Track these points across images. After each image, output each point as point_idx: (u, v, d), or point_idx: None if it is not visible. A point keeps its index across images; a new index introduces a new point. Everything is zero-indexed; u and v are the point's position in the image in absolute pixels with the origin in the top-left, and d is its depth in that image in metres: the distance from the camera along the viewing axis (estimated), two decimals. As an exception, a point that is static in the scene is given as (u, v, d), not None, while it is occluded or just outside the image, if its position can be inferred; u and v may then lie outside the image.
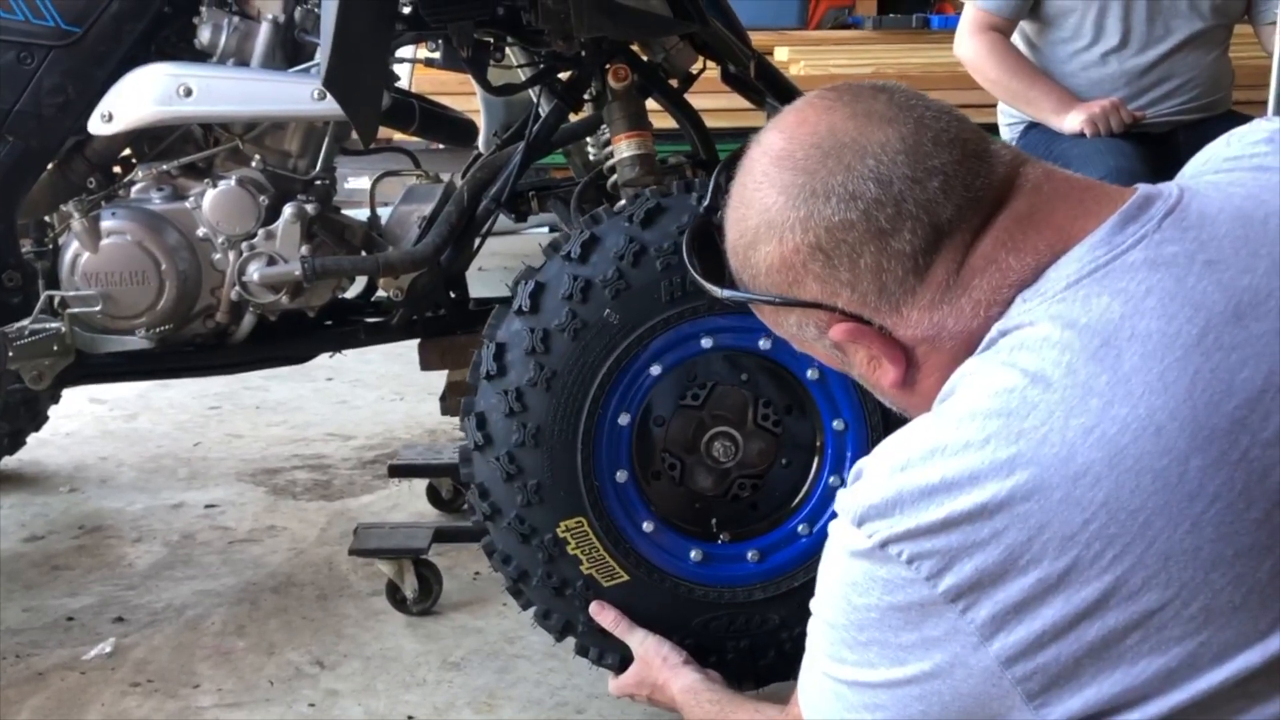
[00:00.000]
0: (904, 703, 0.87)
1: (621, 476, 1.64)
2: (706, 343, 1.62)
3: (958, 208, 0.89)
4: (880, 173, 0.89)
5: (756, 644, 1.67)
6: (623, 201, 1.72)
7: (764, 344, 1.62)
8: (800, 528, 1.68)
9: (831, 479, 1.66)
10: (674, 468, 1.68)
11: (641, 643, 1.61)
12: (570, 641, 1.73)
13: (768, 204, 0.93)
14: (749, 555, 1.67)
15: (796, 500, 1.69)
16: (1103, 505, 0.79)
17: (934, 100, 0.94)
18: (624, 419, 1.63)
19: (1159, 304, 0.83)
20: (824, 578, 0.91)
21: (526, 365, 1.60)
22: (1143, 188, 0.92)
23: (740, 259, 0.97)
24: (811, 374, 1.64)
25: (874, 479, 0.87)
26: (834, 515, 0.87)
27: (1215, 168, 0.96)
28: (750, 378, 1.67)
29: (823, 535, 1.63)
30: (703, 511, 1.70)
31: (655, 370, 1.62)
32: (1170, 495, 0.79)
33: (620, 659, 1.67)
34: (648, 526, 1.66)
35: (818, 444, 1.67)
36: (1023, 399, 0.82)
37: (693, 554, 1.67)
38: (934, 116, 0.92)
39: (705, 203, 1.06)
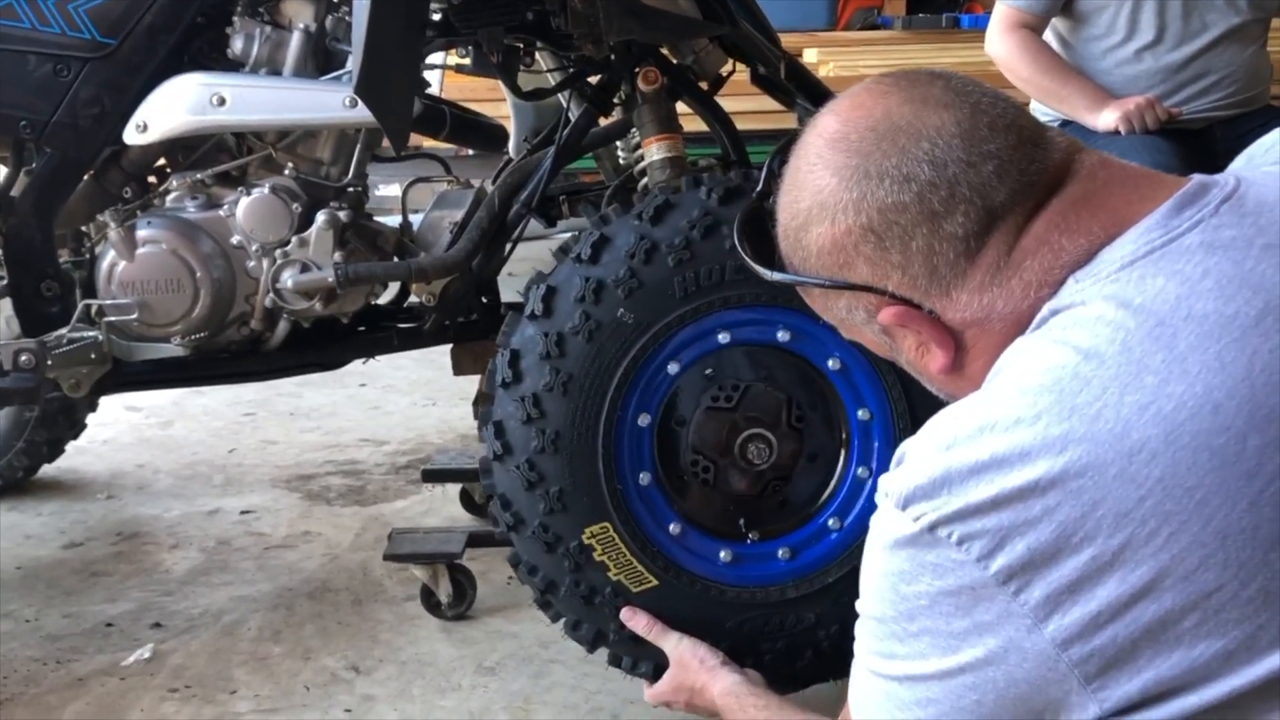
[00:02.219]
0: (957, 693, 0.85)
1: (645, 479, 1.63)
2: (724, 338, 1.61)
3: (1012, 191, 0.89)
4: (935, 155, 0.89)
5: (793, 644, 1.66)
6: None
7: (782, 336, 1.60)
8: (830, 522, 1.66)
9: (859, 470, 1.65)
10: (706, 469, 1.67)
11: (676, 646, 1.59)
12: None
13: (821, 185, 0.93)
14: (780, 553, 1.66)
15: (825, 495, 1.67)
16: (1159, 482, 0.78)
17: (990, 87, 0.94)
18: (644, 420, 1.62)
19: (1216, 286, 0.82)
20: (868, 572, 0.90)
21: (542, 370, 1.59)
22: (1198, 176, 0.91)
23: (791, 241, 0.97)
24: (833, 364, 1.62)
25: (919, 459, 0.85)
26: (867, 507, 0.86)
27: (1274, 159, 0.95)
28: (770, 374, 1.65)
29: (854, 528, 1.63)
30: (730, 511, 1.68)
31: (673, 368, 1.61)
32: (1228, 473, 0.78)
33: (654, 667, 1.65)
34: (675, 529, 1.65)
35: (843, 436, 1.66)
36: (1075, 374, 0.81)
37: (722, 554, 1.66)
38: (990, 103, 0.92)
39: (758, 188, 1.06)
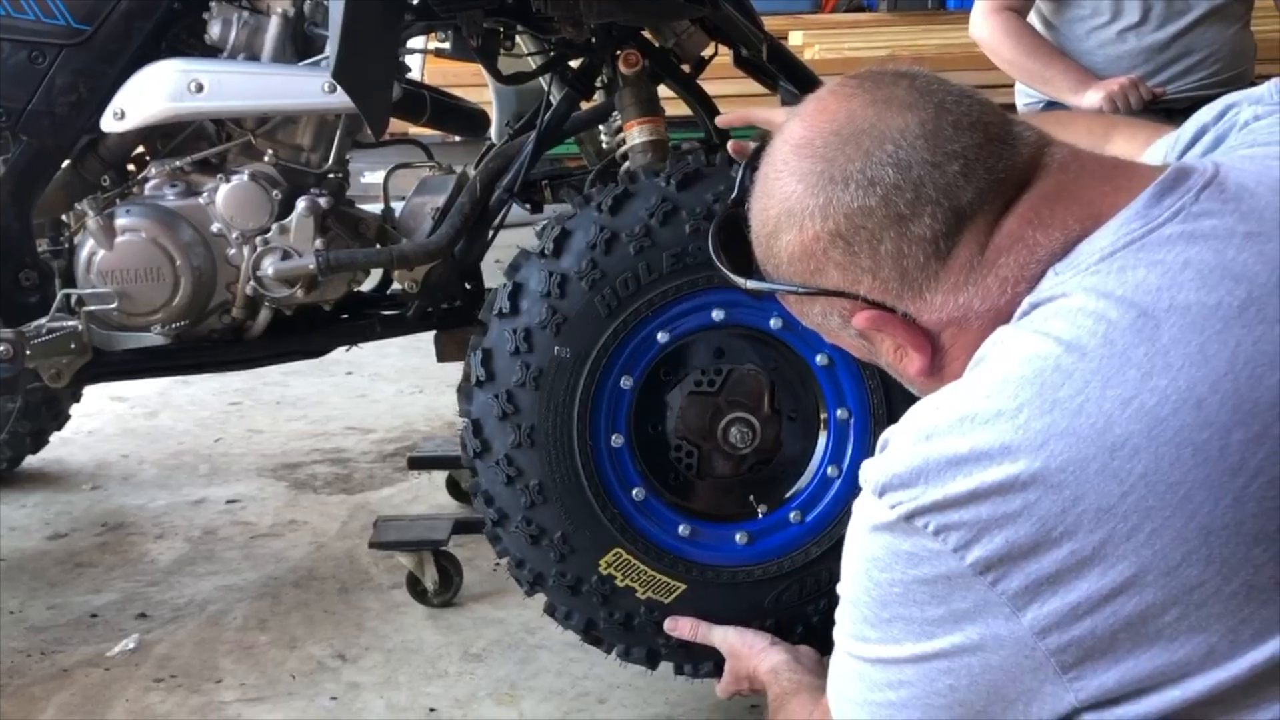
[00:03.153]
0: (930, 677, 0.85)
1: (639, 494, 1.64)
2: (662, 337, 1.62)
3: (979, 190, 0.88)
4: (899, 158, 0.88)
5: (833, 599, 1.66)
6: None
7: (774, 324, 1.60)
8: (829, 470, 1.66)
9: (840, 411, 1.64)
10: (691, 454, 1.67)
11: (724, 639, 1.59)
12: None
13: (788, 192, 0.93)
14: (791, 518, 1.66)
15: (817, 445, 1.67)
16: (1141, 477, 0.78)
17: (957, 85, 0.93)
18: (617, 440, 1.63)
19: (1197, 276, 0.81)
20: (847, 554, 0.90)
21: (507, 430, 1.60)
22: (1176, 162, 0.90)
23: (764, 249, 0.97)
24: (820, 360, 1.62)
25: (899, 449, 0.85)
26: (859, 450, 0.85)
27: (1249, 141, 0.95)
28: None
29: (851, 473, 1.63)
30: (732, 494, 1.68)
31: (626, 383, 1.62)
32: (1211, 469, 0.77)
33: (715, 664, 1.65)
34: (684, 530, 1.65)
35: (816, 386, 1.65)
36: (1057, 367, 0.81)
37: (738, 538, 1.66)
38: (955, 101, 0.91)
39: (732, 195, 1.05)
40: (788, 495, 1.67)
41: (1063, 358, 0.81)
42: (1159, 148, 1.09)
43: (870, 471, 0.86)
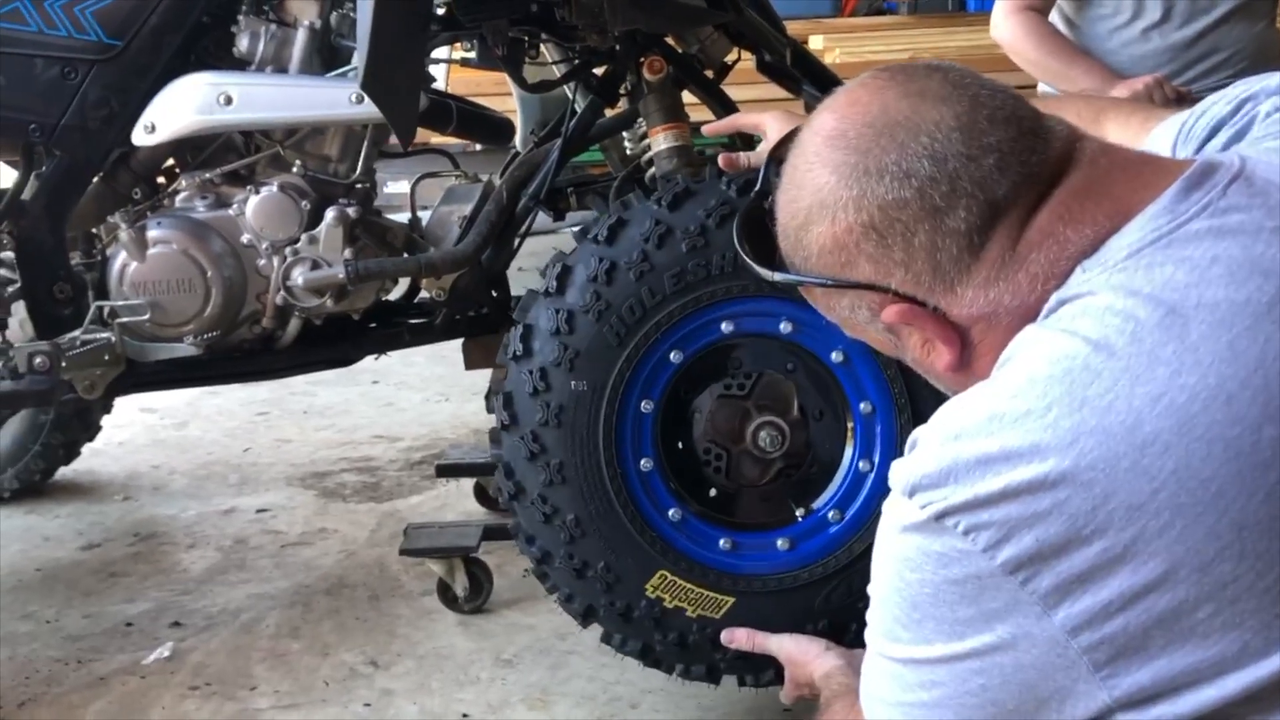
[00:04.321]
0: (962, 677, 0.85)
1: (676, 515, 1.65)
2: (676, 357, 1.62)
3: (1014, 184, 0.87)
4: (935, 150, 0.88)
5: None
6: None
7: (785, 328, 1.61)
8: (861, 465, 1.66)
9: (863, 405, 1.64)
10: (719, 458, 1.67)
11: (780, 647, 1.57)
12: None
13: (820, 184, 0.92)
14: (830, 517, 1.67)
15: (847, 441, 1.67)
16: (1172, 474, 0.77)
17: (989, 79, 0.92)
18: (646, 465, 1.64)
19: (1226, 272, 0.81)
20: (877, 555, 0.90)
21: (536, 473, 1.62)
22: (1203, 157, 0.90)
23: (792, 241, 0.96)
24: (836, 357, 1.62)
25: (927, 449, 0.85)
26: (887, 449, 0.85)
27: (1274, 133, 0.94)
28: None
29: (883, 466, 1.63)
30: (771, 501, 1.69)
31: (647, 407, 1.63)
32: (1243, 464, 0.77)
33: (774, 672, 1.64)
34: (725, 544, 1.66)
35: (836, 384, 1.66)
36: (1086, 366, 0.81)
37: (779, 544, 1.67)
38: (989, 95, 0.91)
39: (757, 186, 1.05)
40: (824, 496, 1.67)
41: (1091, 357, 0.81)
42: (1159, 136, 1.08)
43: (899, 472, 0.86)
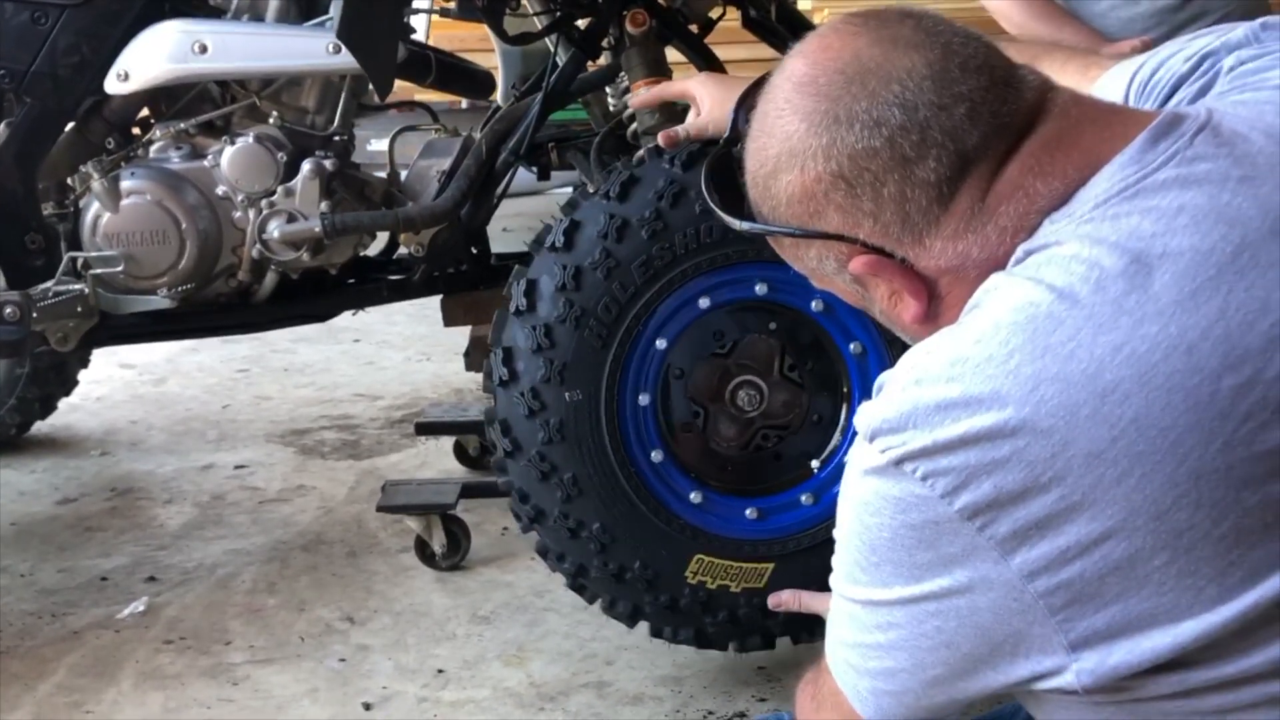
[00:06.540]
0: (919, 619, 0.85)
1: (696, 497, 1.65)
2: (661, 345, 1.61)
3: (984, 134, 0.86)
4: (905, 99, 0.86)
5: None
6: (640, 152, 1.70)
7: (760, 289, 1.61)
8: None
9: (853, 346, 1.64)
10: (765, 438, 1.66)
11: (825, 604, 1.58)
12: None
13: (789, 131, 0.90)
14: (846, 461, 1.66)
15: (845, 390, 1.66)
16: (1132, 422, 0.77)
17: (962, 26, 0.91)
18: (657, 455, 1.64)
19: (1191, 221, 0.81)
20: (841, 497, 0.90)
21: (553, 490, 1.62)
22: (1170, 109, 0.89)
23: (760, 190, 0.95)
24: (816, 306, 1.62)
25: (890, 393, 0.85)
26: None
27: (1238, 85, 0.93)
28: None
29: None
30: (792, 460, 1.69)
31: (644, 399, 1.62)
32: (1202, 414, 0.77)
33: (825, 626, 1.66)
34: (750, 513, 1.66)
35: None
36: (1049, 314, 0.80)
37: (803, 499, 1.67)
38: (961, 43, 0.89)
39: (725, 134, 1.03)
40: (834, 443, 1.67)
41: (1055, 305, 0.80)
42: (1106, 86, 1.07)
43: (863, 416, 0.86)
